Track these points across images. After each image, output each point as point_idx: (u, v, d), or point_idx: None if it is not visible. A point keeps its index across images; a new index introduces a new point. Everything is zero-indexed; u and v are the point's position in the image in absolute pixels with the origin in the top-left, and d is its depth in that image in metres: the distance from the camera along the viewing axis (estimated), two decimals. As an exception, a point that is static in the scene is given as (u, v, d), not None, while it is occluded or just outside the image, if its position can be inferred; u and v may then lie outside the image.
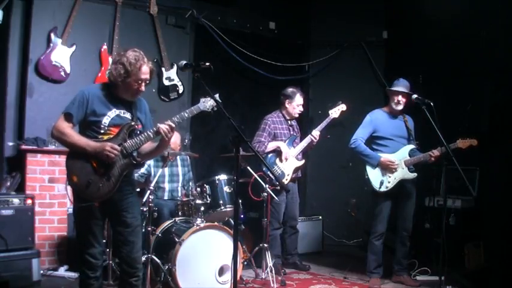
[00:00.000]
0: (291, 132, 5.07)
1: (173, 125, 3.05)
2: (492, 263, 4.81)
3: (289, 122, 5.11)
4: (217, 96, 3.03)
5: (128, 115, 3.09)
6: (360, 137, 4.63)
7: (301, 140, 5.08)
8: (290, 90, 5.08)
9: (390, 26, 6.77)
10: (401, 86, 4.55)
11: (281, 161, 4.91)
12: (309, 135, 4.95)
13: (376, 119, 4.67)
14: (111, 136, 3.01)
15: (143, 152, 3.20)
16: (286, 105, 5.06)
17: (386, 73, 6.73)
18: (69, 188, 3.15)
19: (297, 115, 5.10)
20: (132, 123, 3.07)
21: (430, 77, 5.83)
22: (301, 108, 5.09)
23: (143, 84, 3.06)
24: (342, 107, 4.99)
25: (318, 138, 4.94)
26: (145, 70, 3.03)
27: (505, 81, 5.07)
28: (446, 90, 5.62)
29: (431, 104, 3.99)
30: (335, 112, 4.98)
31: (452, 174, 4.06)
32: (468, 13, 5.28)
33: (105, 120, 3.01)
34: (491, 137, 5.01)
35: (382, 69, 6.81)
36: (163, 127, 3.02)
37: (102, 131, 3.01)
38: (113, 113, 3.03)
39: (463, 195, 5.01)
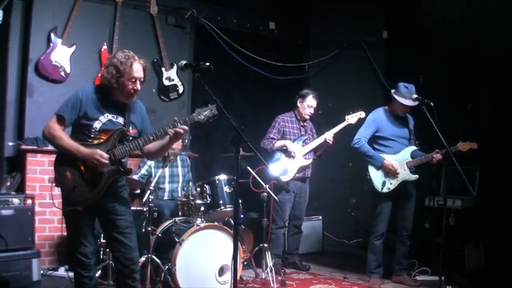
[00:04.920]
0: (301, 133, 5.08)
1: (186, 128, 2.97)
2: (492, 263, 4.81)
3: (301, 122, 5.12)
4: (214, 107, 2.98)
5: (120, 120, 3.05)
6: (363, 136, 4.62)
7: None
8: (305, 90, 5.15)
9: (390, 26, 6.77)
10: (409, 98, 4.39)
11: (287, 157, 4.91)
12: (322, 136, 4.94)
13: (379, 118, 4.66)
14: (101, 141, 2.98)
15: (151, 151, 3.16)
16: (298, 105, 5.09)
17: (387, 73, 6.73)
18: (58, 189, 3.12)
19: (307, 116, 5.10)
20: (124, 129, 3.04)
21: (430, 77, 5.83)
22: (311, 111, 5.09)
23: (138, 82, 3.00)
24: (361, 114, 4.93)
25: (331, 140, 4.92)
26: (137, 68, 2.98)
27: (505, 81, 5.07)
28: (446, 90, 5.62)
29: (431, 104, 3.99)
30: (352, 118, 4.93)
31: (452, 174, 4.06)
32: (468, 13, 5.28)
33: (96, 125, 2.97)
34: (491, 137, 5.01)
35: (382, 69, 6.81)
36: (171, 131, 2.96)
37: (92, 135, 2.98)
38: (105, 117, 3.00)
39: (463, 195, 5.01)
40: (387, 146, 4.61)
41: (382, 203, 4.58)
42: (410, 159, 4.53)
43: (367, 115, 4.80)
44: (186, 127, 2.98)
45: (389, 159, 4.53)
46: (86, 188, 2.93)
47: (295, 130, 5.08)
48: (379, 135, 4.64)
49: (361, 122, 4.89)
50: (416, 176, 4.54)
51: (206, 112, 3.02)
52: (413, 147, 4.62)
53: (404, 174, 4.52)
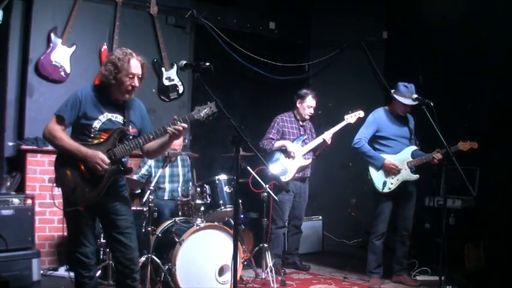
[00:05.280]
0: (301, 133, 5.08)
1: (185, 126, 3.00)
2: (492, 263, 4.81)
3: (300, 122, 5.12)
4: (213, 105, 2.99)
5: (120, 119, 3.05)
6: (363, 136, 4.61)
7: None
8: (304, 91, 5.13)
9: (390, 26, 6.77)
10: (409, 97, 4.39)
11: (286, 158, 4.91)
12: (321, 136, 4.95)
13: (379, 118, 4.65)
14: (101, 140, 2.98)
15: (150, 150, 3.17)
16: (297, 105, 5.09)
17: (386, 73, 6.73)
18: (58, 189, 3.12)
19: (307, 117, 5.10)
20: (123, 128, 3.03)
21: (430, 77, 5.83)
22: (311, 111, 5.09)
23: (136, 79, 3.00)
24: (360, 113, 4.93)
25: (330, 140, 4.92)
26: (134, 64, 2.99)
27: (505, 81, 5.07)
28: (446, 90, 5.62)
29: (431, 104, 3.99)
30: (351, 117, 4.93)
31: (452, 174, 4.06)
32: (468, 13, 5.28)
33: (96, 125, 2.97)
34: (491, 137, 5.00)
35: (382, 69, 6.81)
36: (171, 130, 2.98)
37: (92, 135, 2.98)
38: (105, 117, 3.00)
39: (463, 195, 5.01)
40: (388, 146, 4.60)
41: (383, 203, 4.58)
42: (411, 159, 4.53)
43: (367, 115, 4.79)
44: (185, 125, 3.00)
45: (390, 159, 4.53)
46: (87, 187, 2.93)
47: (294, 130, 5.08)
48: (379, 135, 4.64)
49: (360, 121, 4.90)
50: (417, 175, 4.54)
51: (205, 110, 3.02)
52: (414, 147, 4.61)
53: (405, 174, 4.52)
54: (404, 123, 4.67)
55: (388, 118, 4.65)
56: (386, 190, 4.51)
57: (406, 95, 4.44)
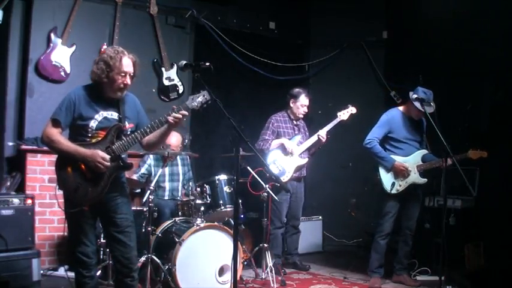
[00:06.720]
0: (295, 132, 5.08)
1: (186, 113, 2.99)
2: (492, 263, 4.81)
3: (294, 121, 5.11)
4: (206, 92, 2.99)
5: (115, 116, 3.06)
6: (375, 137, 4.59)
7: None
8: (296, 90, 5.11)
9: (390, 26, 6.77)
10: (426, 104, 4.31)
11: (284, 157, 4.90)
12: (316, 134, 4.94)
13: (393, 119, 4.63)
14: (99, 139, 2.99)
15: (150, 143, 3.17)
16: (291, 105, 5.08)
17: (386, 73, 6.73)
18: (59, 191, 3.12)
19: (301, 115, 5.10)
20: (120, 125, 3.04)
21: (430, 77, 5.83)
22: (305, 109, 5.08)
23: (127, 77, 3.01)
24: (352, 109, 4.94)
25: (325, 138, 4.92)
26: (126, 62, 3.00)
27: (505, 81, 5.07)
28: (446, 90, 5.61)
29: (432, 104, 3.99)
30: (343, 114, 4.94)
31: (452, 174, 4.06)
32: (468, 13, 5.29)
33: (92, 124, 2.98)
34: (491, 137, 5.00)
35: (382, 69, 6.81)
36: (171, 118, 2.97)
37: (89, 135, 2.99)
38: (100, 115, 3.01)
39: (463, 195, 5.01)
40: (399, 148, 4.59)
41: (390, 203, 4.58)
42: (421, 163, 4.53)
43: (380, 115, 4.73)
44: (185, 112, 2.99)
45: (400, 161, 4.52)
46: (89, 187, 2.94)
47: (289, 130, 5.06)
48: (391, 137, 4.62)
49: (353, 118, 4.91)
50: (425, 179, 4.55)
51: (199, 98, 3.03)
52: (425, 151, 4.61)
53: (414, 177, 4.52)
54: (417, 126, 4.65)
55: (401, 120, 4.62)
56: (394, 191, 4.51)
57: (424, 101, 4.36)
